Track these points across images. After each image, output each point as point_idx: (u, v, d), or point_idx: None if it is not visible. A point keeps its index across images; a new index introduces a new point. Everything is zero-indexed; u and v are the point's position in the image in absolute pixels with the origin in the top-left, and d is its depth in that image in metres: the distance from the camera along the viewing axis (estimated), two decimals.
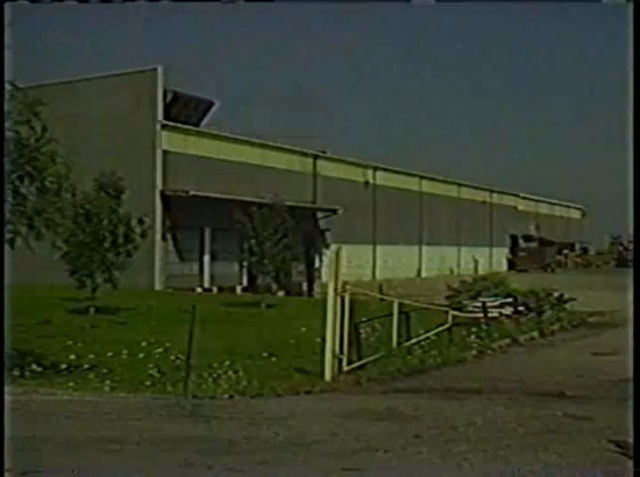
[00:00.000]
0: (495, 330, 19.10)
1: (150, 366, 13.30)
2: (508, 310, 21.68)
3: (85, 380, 12.05)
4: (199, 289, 38.01)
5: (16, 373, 11.73)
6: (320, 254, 46.05)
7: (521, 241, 77.05)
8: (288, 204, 29.38)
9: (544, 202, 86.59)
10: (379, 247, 54.43)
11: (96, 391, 11.24)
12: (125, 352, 14.98)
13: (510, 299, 22.36)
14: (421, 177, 61.19)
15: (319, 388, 11.77)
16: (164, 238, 36.64)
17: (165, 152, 36.90)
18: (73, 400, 10.44)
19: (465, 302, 22.17)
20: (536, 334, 19.90)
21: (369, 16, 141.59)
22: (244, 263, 29.85)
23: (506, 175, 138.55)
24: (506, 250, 75.75)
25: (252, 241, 27.13)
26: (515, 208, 78.58)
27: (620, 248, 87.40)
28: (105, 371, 12.92)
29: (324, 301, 13.09)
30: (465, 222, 66.50)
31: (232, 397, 10.95)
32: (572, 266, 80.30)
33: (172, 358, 14.09)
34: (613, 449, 7.76)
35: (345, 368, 12.87)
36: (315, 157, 48.28)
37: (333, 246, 36.54)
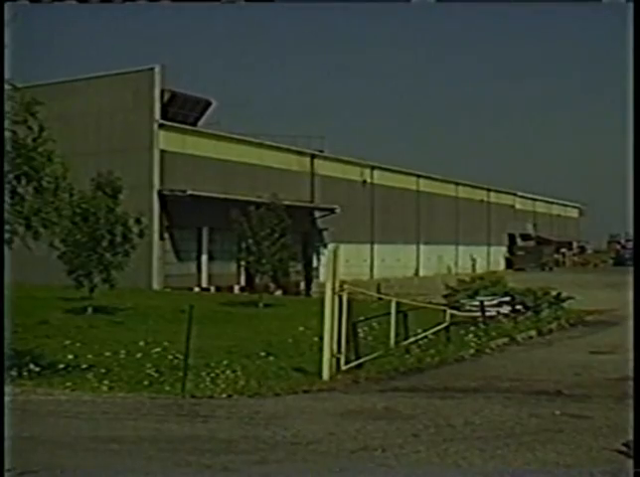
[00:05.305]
0: (493, 329, 19.10)
1: (148, 365, 13.30)
2: (506, 309, 21.66)
3: (83, 379, 12.04)
4: (197, 289, 38.01)
5: (14, 373, 11.71)
6: (318, 254, 46.07)
7: (518, 240, 77.00)
8: (286, 203, 29.37)
9: (541, 201, 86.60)
10: (377, 247, 54.43)
11: (94, 390, 11.23)
12: (123, 352, 14.97)
13: (507, 298, 22.33)
14: (419, 176, 61.18)
15: (317, 387, 11.77)
16: (162, 238, 36.63)
17: (162, 152, 36.87)
18: (71, 400, 10.43)
19: (463, 301, 22.17)
20: (533, 333, 19.89)
21: (369, 15, 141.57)
22: (242, 263, 29.85)
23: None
24: (504, 249, 75.77)
25: (250, 241, 27.12)
26: (512, 206, 78.60)
27: (618, 247, 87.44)
28: (103, 370, 12.91)
29: (322, 300, 13.08)
30: (463, 221, 66.52)
31: (230, 396, 10.94)
32: (570, 265, 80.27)
33: (170, 357, 14.08)
34: (611, 448, 7.78)
35: (343, 367, 12.86)
36: (313, 156, 48.25)
37: (331, 246, 36.52)
